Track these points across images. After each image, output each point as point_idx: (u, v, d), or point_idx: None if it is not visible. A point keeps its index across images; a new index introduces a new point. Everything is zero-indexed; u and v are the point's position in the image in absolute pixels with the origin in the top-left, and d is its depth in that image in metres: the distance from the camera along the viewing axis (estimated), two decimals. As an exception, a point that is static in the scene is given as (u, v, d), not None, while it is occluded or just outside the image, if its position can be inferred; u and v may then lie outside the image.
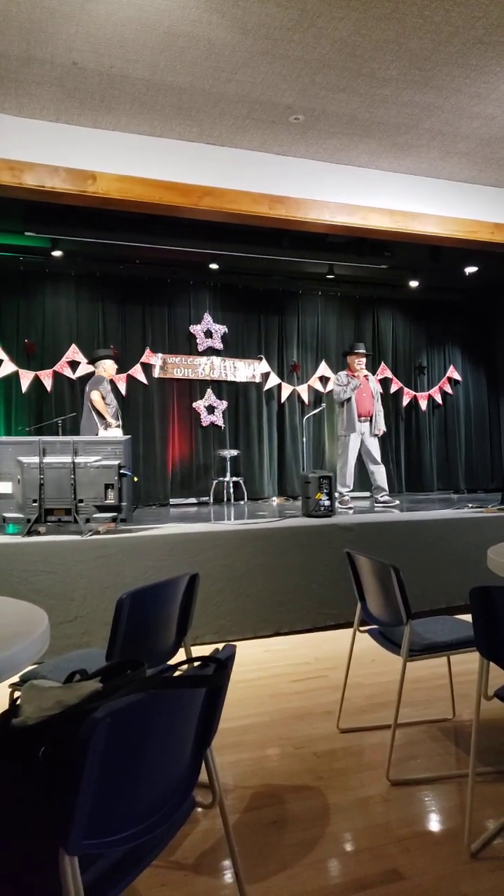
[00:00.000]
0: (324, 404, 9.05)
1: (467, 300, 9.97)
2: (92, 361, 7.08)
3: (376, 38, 3.98)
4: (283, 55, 4.13)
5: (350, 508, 6.33)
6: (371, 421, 6.76)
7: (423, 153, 5.48)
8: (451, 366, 9.99)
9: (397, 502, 6.71)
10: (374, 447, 6.76)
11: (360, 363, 6.86)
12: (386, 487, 6.72)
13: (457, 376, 10.00)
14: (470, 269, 8.53)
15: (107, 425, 6.38)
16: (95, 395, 6.40)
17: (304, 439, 8.77)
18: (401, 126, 5.03)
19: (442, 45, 4.07)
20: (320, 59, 4.18)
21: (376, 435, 6.80)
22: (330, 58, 4.17)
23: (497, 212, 6.13)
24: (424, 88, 4.53)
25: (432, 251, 7.48)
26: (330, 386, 6.76)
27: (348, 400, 6.70)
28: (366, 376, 6.89)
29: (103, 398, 6.44)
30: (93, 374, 6.85)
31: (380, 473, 6.69)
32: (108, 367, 6.76)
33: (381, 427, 6.87)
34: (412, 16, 3.79)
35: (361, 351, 6.97)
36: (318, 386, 9.20)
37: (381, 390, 7.45)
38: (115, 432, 6.34)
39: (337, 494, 6.56)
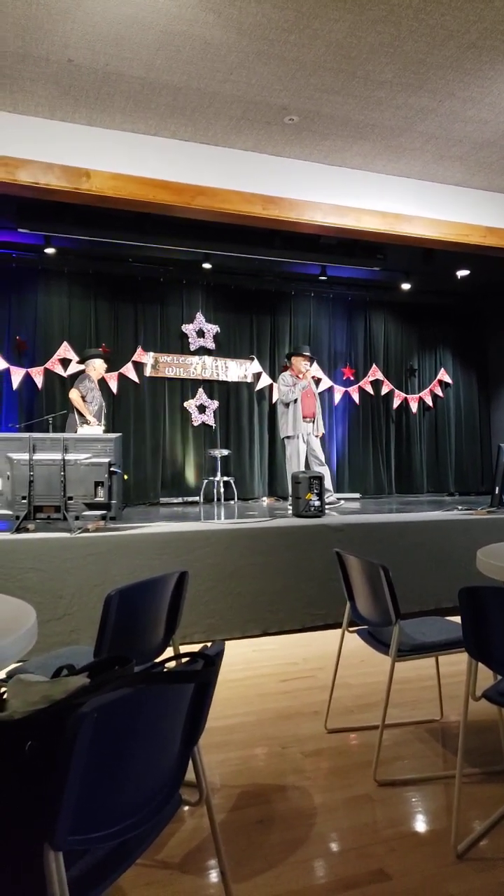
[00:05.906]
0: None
1: (459, 303, 10.01)
2: (82, 360, 7.15)
3: (371, 41, 4.00)
4: (278, 56, 4.13)
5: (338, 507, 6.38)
6: (314, 422, 6.85)
7: (417, 156, 5.50)
8: (442, 368, 10.03)
9: (341, 502, 6.77)
10: (318, 448, 6.85)
11: (305, 365, 6.93)
12: (331, 488, 6.79)
13: (447, 379, 10.04)
14: (462, 273, 8.56)
15: (85, 422, 6.45)
16: (73, 394, 6.64)
17: (295, 440, 8.77)
18: (395, 129, 5.05)
19: (436, 49, 4.09)
20: (315, 61, 4.19)
21: (317, 436, 6.86)
22: (325, 60, 4.18)
23: (489, 215, 6.17)
24: (419, 92, 4.55)
25: (425, 254, 7.50)
26: (278, 388, 6.87)
27: (294, 401, 6.72)
28: (313, 377, 6.94)
29: (83, 396, 6.60)
30: (83, 371, 6.91)
31: (326, 474, 6.72)
32: (97, 366, 6.90)
33: (322, 429, 6.99)
34: (407, 19, 3.80)
35: (307, 353, 7.09)
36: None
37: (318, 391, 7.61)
38: (96, 430, 6.36)
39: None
